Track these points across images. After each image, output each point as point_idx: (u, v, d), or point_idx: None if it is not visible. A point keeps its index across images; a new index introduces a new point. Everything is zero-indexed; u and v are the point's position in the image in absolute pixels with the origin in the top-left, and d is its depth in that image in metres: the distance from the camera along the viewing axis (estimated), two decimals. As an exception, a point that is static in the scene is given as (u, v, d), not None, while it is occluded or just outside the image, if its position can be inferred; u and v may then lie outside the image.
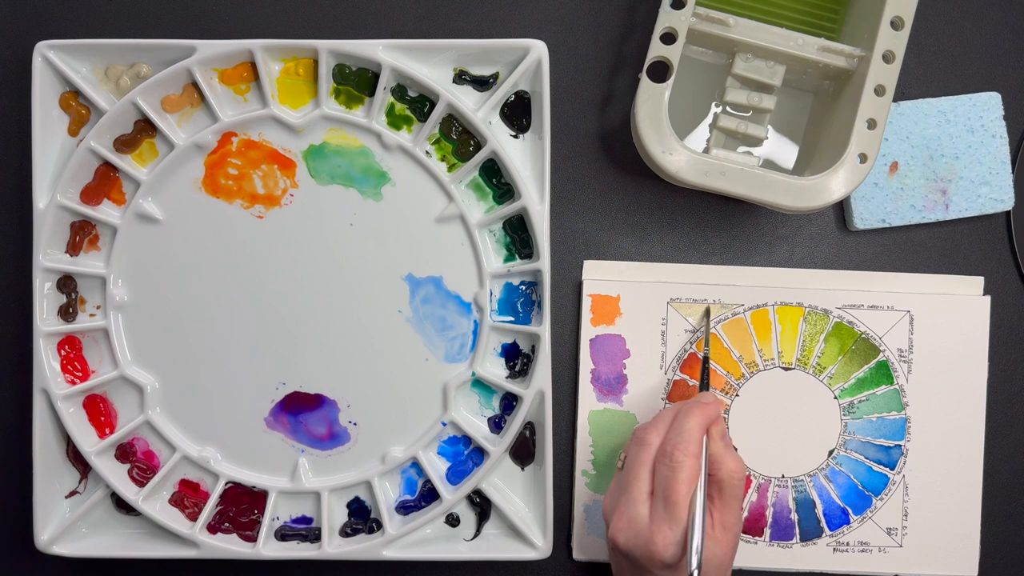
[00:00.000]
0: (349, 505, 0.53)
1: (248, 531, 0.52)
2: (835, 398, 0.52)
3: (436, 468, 0.52)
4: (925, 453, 0.52)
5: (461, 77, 0.51)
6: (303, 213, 0.51)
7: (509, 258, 0.52)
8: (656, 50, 0.47)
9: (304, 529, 0.52)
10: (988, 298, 0.52)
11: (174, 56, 0.50)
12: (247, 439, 0.52)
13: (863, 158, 0.47)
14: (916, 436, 0.52)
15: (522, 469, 0.52)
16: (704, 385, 0.50)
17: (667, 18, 0.47)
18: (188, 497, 0.52)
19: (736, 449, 0.51)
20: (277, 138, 0.51)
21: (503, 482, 0.52)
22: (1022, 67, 0.53)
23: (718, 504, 0.45)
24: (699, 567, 0.42)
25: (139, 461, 0.52)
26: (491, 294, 0.51)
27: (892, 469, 0.52)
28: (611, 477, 0.52)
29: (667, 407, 0.49)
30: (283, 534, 0.52)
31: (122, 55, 0.51)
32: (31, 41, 0.50)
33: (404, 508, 0.52)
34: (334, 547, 0.51)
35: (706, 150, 0.51)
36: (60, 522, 0.51)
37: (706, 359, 0.51)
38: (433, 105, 0.51)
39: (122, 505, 0.52)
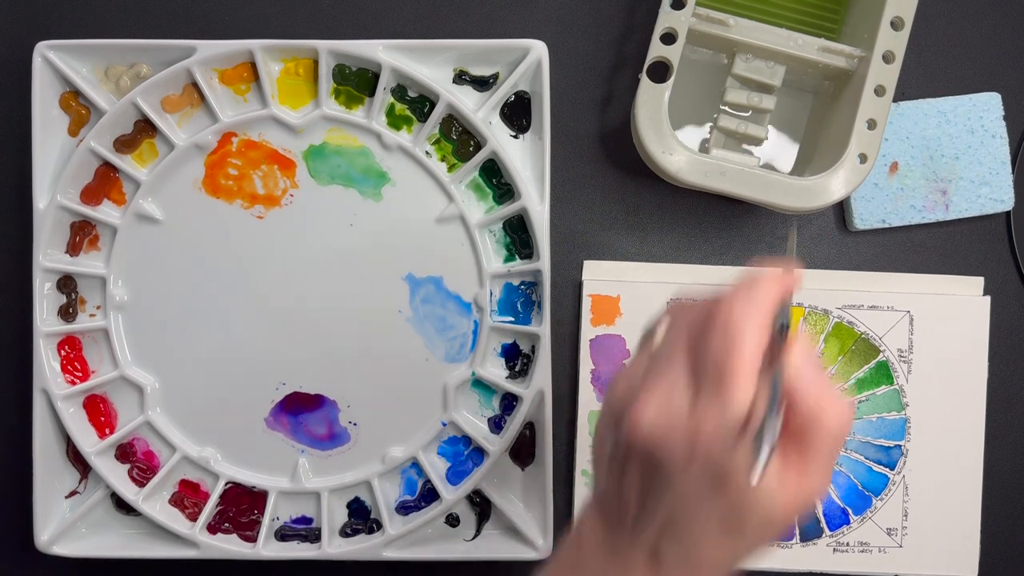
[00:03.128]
0: (349, 505, 0.53)
1: (248, 531, 0.52)
2: (835, 398, 0.52)
3: (436, 468, 0.52)
4: (925, 453, 0.52)
5: (461, 77, 0.51)
6: (303, 213, 0.51)
7: (509, 258, 0.52)
8: (656, 50, 0.47)
9: (304, 529, 0.52)
10: (988, 298, 0.52)
11: (174, 56, 0.50)
12: (247, 439, 0.52)
13: (863, 158, 0.47)
14: (916, 436, 0.52)
15: (522, 469, 0.52)
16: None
17: (667, 18, 0.47)
18: (188, 497, 0.52)
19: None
20: (277, 138, 0.51)
21: (503, 482, 0.52)
22: (1022, 67, 0.53)
23: (794, 462, 0.32)
24: (765, 464, 0.30)
25: (139, 461, 0.52)
26: (491, 294, 0.51)
27: (892, 469, 0.52)
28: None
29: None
30: (283, 534, 0.52)
31: (122, 55, 0.51)
32: (31, 41, 0.50)
33: (404, 508, 0.52)
34: (334, 547, 0.51)
35: (706, 150, 0.51)
36: (60, 522, 0.51)
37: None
38: (433, 105, 0.51)
39: (122, 505, 0.52)
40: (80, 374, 0.52)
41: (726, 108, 0.51)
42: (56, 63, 0.50)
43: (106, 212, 0.52)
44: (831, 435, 0.32)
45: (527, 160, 0.51)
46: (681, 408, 0.32)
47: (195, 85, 0.50)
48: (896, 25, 0.47)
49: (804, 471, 0.32)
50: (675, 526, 0.33)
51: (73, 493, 0.52)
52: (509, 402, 0.52)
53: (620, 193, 0.53)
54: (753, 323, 0.32)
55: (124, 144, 0.51)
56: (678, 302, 0.36)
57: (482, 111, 0.50)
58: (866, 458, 0.52)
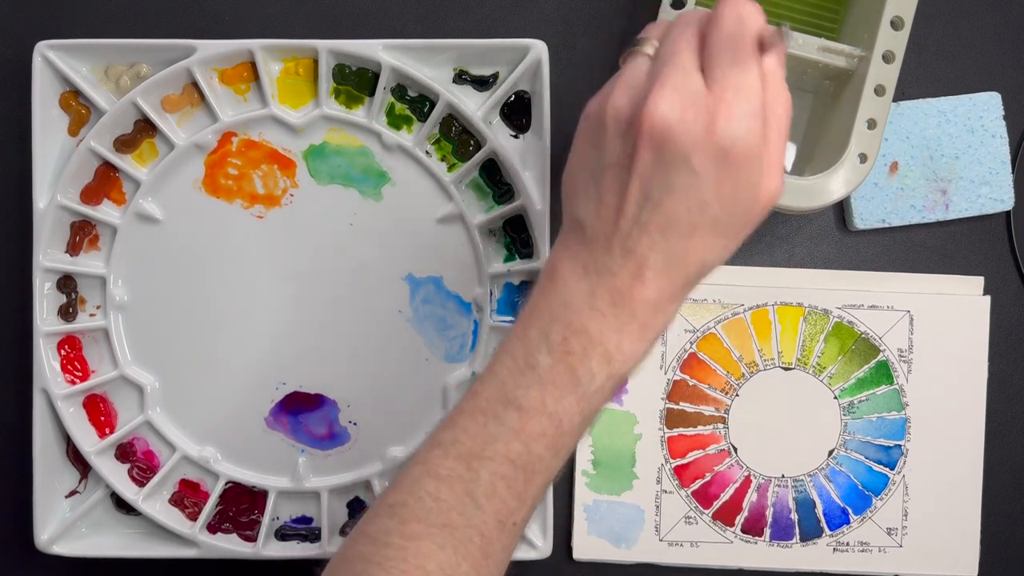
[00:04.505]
0: (349, 505, 0.53)
1: (248, 531, 0.52)
2: (835, 398, 0.52)
3: (436, 468, 0.52)
4: (925, 453, 0.52)
5: (461, 77, 0.51)
6: (303, 213, 0.51)
7: (509, 258, 0.52)
8: (656, 50, 0.47)
9: (304, 529, 0.52)
10: (988, 298, 0.52)
11: (174, 56, 0.50)
12: (247, 439, 0.52)
13: (863, 158, 0.47)
14: (916, 436, 0.52)
15: (522, 469, 0.52)
16: None
17: (667, 18, 0.47)
18: (188, 497, 0.52)
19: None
20: (277, 138, 0.51)
21: (503, 482, 0.52)
22: (1022, 67, 0.53)
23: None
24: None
25: (139, 461, 0.52)
26: (491, 294, 0.51)
27: (892, 469, 0.52)
28: (610, 476, 0.52)
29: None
30: (283, 534, 0.52)
31: (122, 55, 0.51)
32: (31, 41, 0.50)
33: (404, 508, 0.52)
34: (334, 547, 0.51)
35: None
36: (60, 522, 0.51)
37: None
38: (433, 105, 0.51)
39: (122, 505, 0.52)
40: (80, 374, 0.52)
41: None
42: (56, 63, 0.50)
43: (106, 212, 0.52)
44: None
45: (527, 160, 0.51)
46: (698, 90, 0.34)
47: (195, 85, 0.50)
48: (896, 25, 0.47)
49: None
50: (671, 227, 0.35)
51: (73, 493, 0.52)
52: (509, 402, 0.52)
53: (620, 193, 0.53)
54: (758, 8, 0.35)
55: (124, 144, 0.51)
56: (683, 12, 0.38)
57: (482, 111, 0.50)
58: (866, 458, 0.52)
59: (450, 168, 0.51)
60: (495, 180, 0.51)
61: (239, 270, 0.52)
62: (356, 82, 0.51)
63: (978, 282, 0.53)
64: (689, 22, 0.36)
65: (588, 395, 0.36)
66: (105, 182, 0.51)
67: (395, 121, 0.51)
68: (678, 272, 0.36)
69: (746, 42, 0.35)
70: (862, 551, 0.52)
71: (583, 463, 0.52)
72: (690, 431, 0.52)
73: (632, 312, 0.36)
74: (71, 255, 0.52)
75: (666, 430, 0.53)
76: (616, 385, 0.37)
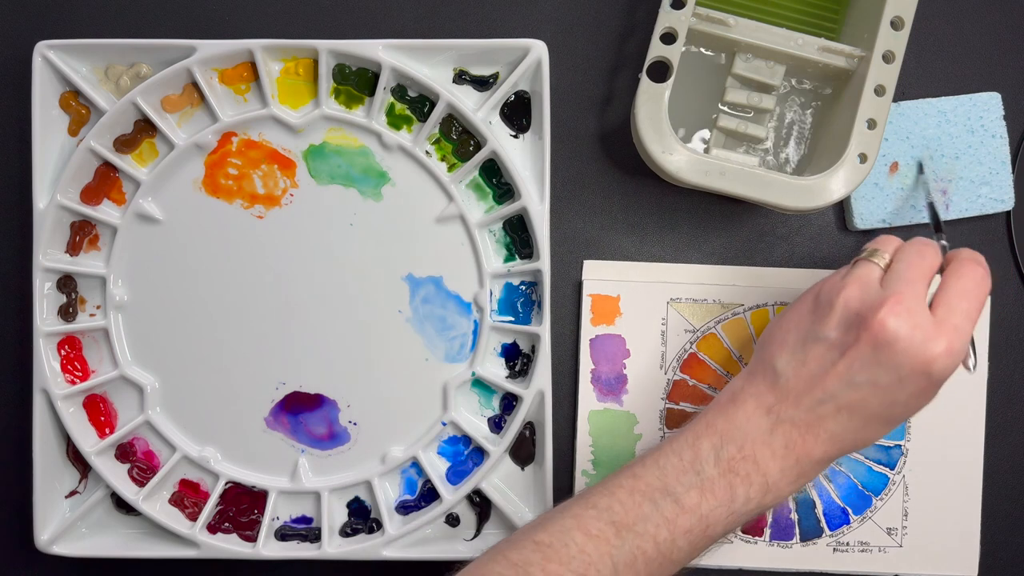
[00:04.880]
0: (349, 505, 0.53)
1: (248, 531, 0.52)
2: (835, 398, 0.52)
3: (436, 468, 0.52)
4: (925, 453, 0.52)
5: (461, 77, 0.51)
6: (303, 213, 0.51)
7: (509, 258, 0.52)
8: (656, 50, 0.47)
9: (304, 529, 0.52)
10: (988, 298, 0.52)
11: (174, 56, 0.50)
12: (247, 439, 0.52)
13: (863, 158, 0.47)
14: (916, 436, 0.52)
15: (522, 469, 0.52)
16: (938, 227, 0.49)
17: (667, 18, 0.47)
18: (188, 497, 0.52)
19: None
20: (277, 138, 0.51)
21: (503, 482, 0.52)
22: (1022, 67, 0.53)
23: None
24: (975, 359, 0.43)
25: (139, 461, 0.52)
26: (491, 294, 0.51)
27: (892, 469, 0.52)
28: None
29: (918, 240, 0.44)
30: (283, 534, 0.52)
31: (122, 55, 0.51)
32: (31, 41, 0.50)
33: (404, 508, 0.52)
34: (334, 547, 0.51)
35: (706, 150, 0.51)
36: (60, 522, 0.51)
37: (931, 206, 0.50)
38: (433, 105, 0.51)
39: (122, 505, 0.52)
40: (80, 374, 0.52)
41: (726, 108, 0.51)
42: (56, 63, 0.50)
43: (106, 212, 0.52)
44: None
45: (527, 160, 0.51)
46: (927, 318, 0.40)
47: (195, 85, 0.50)
48: (896, 25, 0.47)
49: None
50: (858, 410, 0.42)
51: (73, 493, 0.52)
52: (509, 402, 0.52)
53: (620, 193, 0.53)
54: (988, 285, 0.42)
55: (124, 144, 0.51)
56: (914, 241, 0.44)
57: (482, 111, 0.50)
58: (866, 458, 0.52)
59: (450, 168, 0.51)
60: (495, 180, 0.51)
61: (239, 270, 0.52)
62: (356, 82, 0.51)
63: (978, 282, 0.53)
64: (925, 254, 0.42)
65: (737, 513, 0.42)
66: (105, 182, 0.52)
67: (395, 121, 0.51)
68: (846, 443, 0.42)
69: (980, 304, 0.42)
70: (862, 551, 0.52)
71: (583, 463, 0.52)
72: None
73: (797, 459, 0.42)
74: (71, 255, 0.52)
75: (666, 430, 0.53)
76: (755, 515, 0.43)
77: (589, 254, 0.53)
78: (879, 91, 0.47)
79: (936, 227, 0.49)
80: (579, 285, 0.53)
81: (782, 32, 0.49)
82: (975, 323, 0.41)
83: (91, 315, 0.52)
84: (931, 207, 0.50)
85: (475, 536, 0.52)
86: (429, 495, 0.52)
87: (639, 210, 0.53)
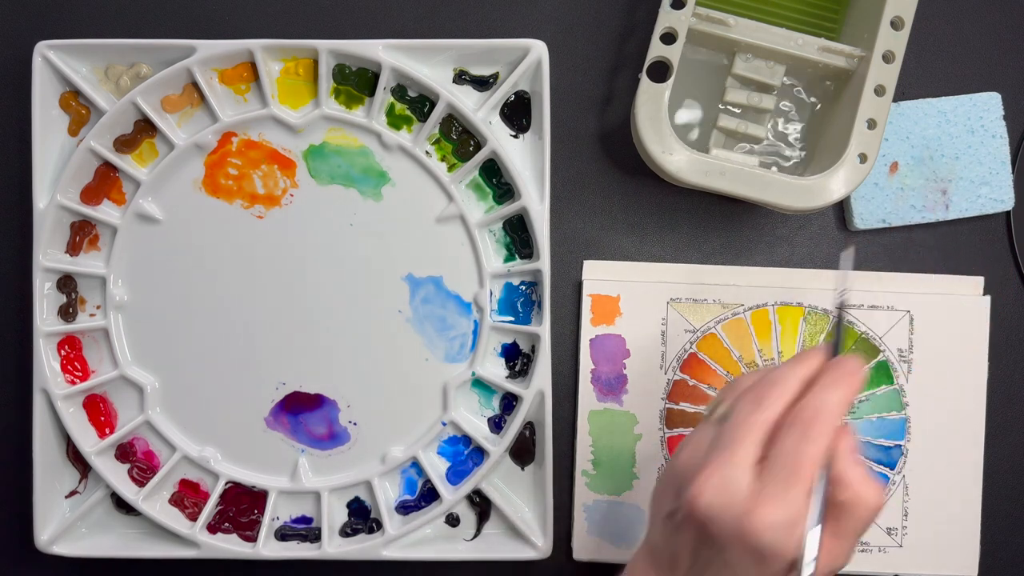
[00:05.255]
0: (349, 505, 0.53)
1: (248, 531, 0.52)
2: (835, 398, 0.52)
3: (436, 468, 0.52)
4: (925, 453, 0.52)
5: (461, 77, 0.51)
6: (303, 213, 0.51)
7: (509, 258, 0.52)
8: (656, 50, 0.47)
9: (304, 529, 0.52)
10: (988, 298, 0.52)
11: (174, 56, 0.50)
12: (247, 439, 0.52)
13: (863, 158, 0.47)
14: (916, 436, 0.52)
15: (522, 469, 0.52)
16: (836, 347, 0.40)
17: (667, 18, 0.47)
18: (188, 497, 0.52)
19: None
20: (277, 138, 0.51)
21: (503, 482, 0.52)
22: (1022, 67, 0.53)
23: (830, 530, 0.36)
24: (816, 558, 0.34)
25: (139, 461, 0.52)
26: (491, 294, 0.51)
27: (892, 469, 0.52)
28: (610, 476, 0.52)
29: (786, 363, 0.38)
30: (283, 534, 0.52)
31: (122, 55, 0.51)
32: (31, 41, 0.50)
33: (404, 508, 0.52)
34: (334, 547, 0.51)
35: (706, 150, 0.51)
36: (60, 522, 0.51)
37: (840, 309, 0.41)
38: (433, 105, 0.51)
39: (122, 505, 0.52)
40: (80, 374, 0.52)
41: (726, 108, 0.51)
42: (56, 63, 0.50)
43: (106, 212, 0.52)
44: (870, 517, 0.36)
45: (527, 160, 0.51)
46: (743, 485, 0.35)
47: (195, 85, 0.50)
48: (896, 25, 0.47)
49: (837, 545, 0.36)
50: None
51: (73, 493, 0.52)
52: (509, 402, 0.52)
53: (620, 193, 0.53)
54: (832, 425, 0.35)
55: (124, 144, 0.51)
56: (755, 383, 0.38)
57: (482, 111, 0.50)
58: (866, 458, 0.52)
59: (450, 168, 0.51)
60: (495, 180, 0.51)
61: (239, 270, 0.52)
62: (356, 82, 0.51)
63: (978, 282, 0.53)
64: (762, 401, 0.37)
65: None
66: (105, 182, 0.52)
67: (395, 121, 0.51)
68: None
69: (805, 469, 0.35)
70: (862, 551, 0.52)
71: (583, 463, 0.52)
72: (690, 431, 0.52)
73: None
74: (71, 255, 0.52)
75: (666, 430, 0.53)
76: None
77: (589, 254, 0.53)
78: (879, 91, 0.47)
79: (835, 342, 0.40)
80: (579, 285, 0.53)
81: (782, 32, 0.49)
82: (805, 483, 0.34)
83: (91, 315, 0.52)
84: (839, 309, 0.41)
85: (475, 536, 0.52)
86: (429, 495, 0.52)
87: (639, 210, 0.53)
